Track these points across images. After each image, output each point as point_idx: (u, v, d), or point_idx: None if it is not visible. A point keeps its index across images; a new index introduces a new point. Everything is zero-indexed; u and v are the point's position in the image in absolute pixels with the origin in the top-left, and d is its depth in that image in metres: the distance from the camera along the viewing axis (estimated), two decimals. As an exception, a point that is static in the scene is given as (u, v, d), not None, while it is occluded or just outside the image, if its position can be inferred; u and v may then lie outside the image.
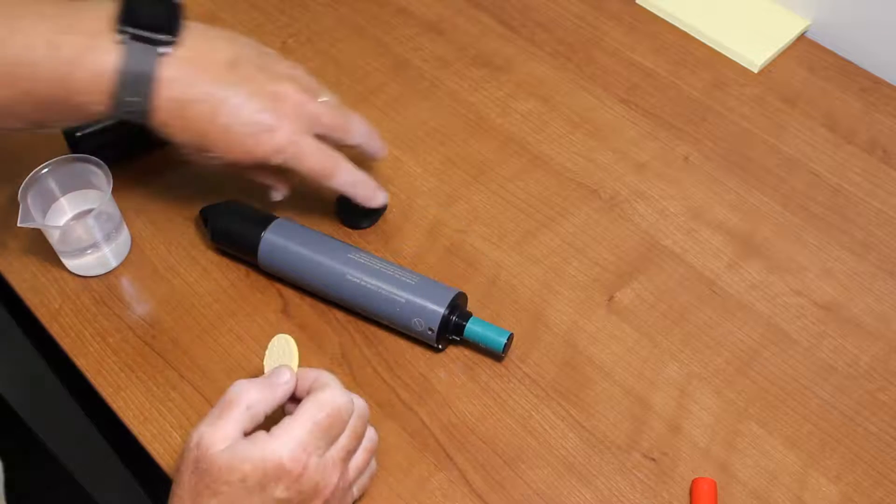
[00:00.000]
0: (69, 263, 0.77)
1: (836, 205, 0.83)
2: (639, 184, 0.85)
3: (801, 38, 0.97)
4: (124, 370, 0.73)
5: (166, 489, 0.58)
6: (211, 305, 0.76)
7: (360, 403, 0.61)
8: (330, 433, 0.58)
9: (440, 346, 0.72)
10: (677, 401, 0.71)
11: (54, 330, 0.75)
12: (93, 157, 0.75)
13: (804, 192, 0.84)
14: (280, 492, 0.55)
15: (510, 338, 0.71)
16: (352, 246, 0.75)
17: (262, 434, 0.57)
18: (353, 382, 0.72)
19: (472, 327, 0.71)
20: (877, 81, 0.93)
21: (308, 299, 0.76)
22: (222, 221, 0.77)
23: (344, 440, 0.59)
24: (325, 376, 0.61)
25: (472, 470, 0.67)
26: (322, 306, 0.76)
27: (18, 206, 0.73)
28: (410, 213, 0.82)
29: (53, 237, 0.75)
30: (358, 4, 1.00)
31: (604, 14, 0.99)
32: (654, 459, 0.68)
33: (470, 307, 0.75)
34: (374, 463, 0.64)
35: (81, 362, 0.73)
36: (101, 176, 0.75)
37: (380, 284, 0.71)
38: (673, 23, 0.98)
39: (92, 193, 0.78)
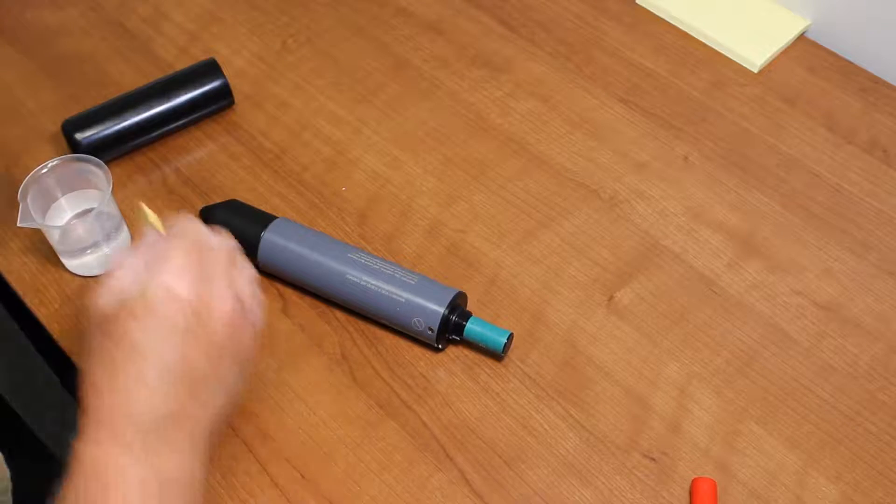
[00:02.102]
0: (69, 263, 0.77)
1: (836, 205, 0.83)
2: (639, 184, 0.85)
3: (801, 38, 0.97)
4: (124, 370, 0.72)
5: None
6: (211, 305, 0.76)
7: (224, 238, 0.60)
8: (200, 256, 0.56)
9: (440, 346, 0.72)
10: (677, 401, 0.71)
11: (54, 330, 0.75)
12: (93, 157, 0.75)
13: (804, 192, 0.84)
14: (175, 314, 0.54)
15: (510, 338, 0.71)
16: (352, 246, 0.75)
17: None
18: (353, 382, 0.72)
19: (472, 327, 0.71)
20: (876, 81, 0.93)
21: (308, 299, 0.76)
22: (222, 222, 0.77)
23: (216, 265, 0.57)
24: (184, 217, 0.60)
25: (472, 470, 0.67)
26: (322, 306, 0.76)
27: (18, 206, 0.73)
28: (410, 213, 0.82)
29: (53, 237, 0.75)
30: (358, 4, 1.00)
31: (604, 14, 0.99)
32: (654, 459, 0.68)
33: (470, 307, 0.75)
34: (260, 293, 0.62)
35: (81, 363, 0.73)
36: (101, 176, 0.75)
37: (380, 284, 0.71)
38: (673, 23, 0.98)
39: (92, 193, 0.78)
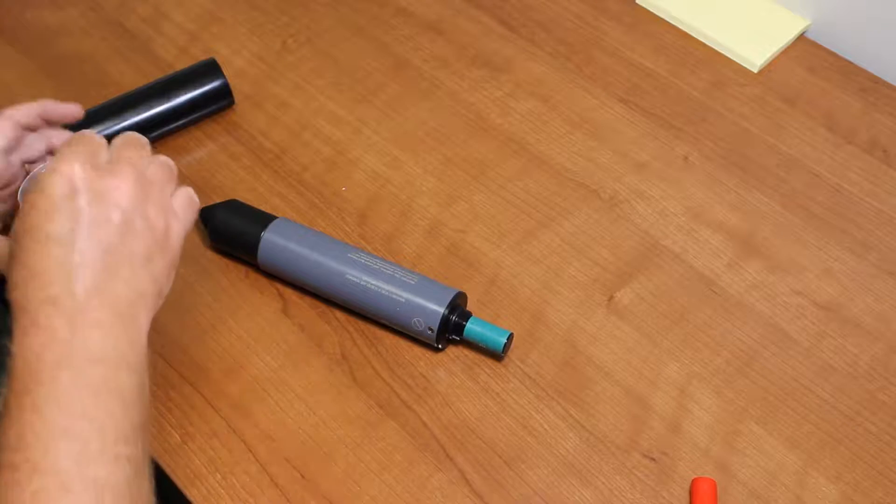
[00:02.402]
0: (69, 263, 0.77)
1: (836, 205, 0.83)
2: (639, 184, 0.85)
3: (801, 38, 0.97)
4: (124, 370, 0.72)
5: (164, 489, 0.58)
6: (211, 305, 0.76)
7: (127, 133, 0.60)
8: (91, 148, 0.56)
9: (440, 346, 0.72)
10: (677, 401, 0.71)
11: (54, 330, 0.75)
12: (93, 157, 0.75)
13: (804, 192, 0.84)
14: (71, 192, 0.54)
15: (510, 338, 0.71)
16: (352, 246, 0.75)
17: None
18: (353, 382, 0.72)
19: (471, 327, 0.71)
20: (876, 81, 0.93)
21: (308, 299, 0.76)
22: (222, 221, 0.77)
23: (114, 151, 0.57)
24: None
25: (472, 470, 0.67)
26: (322, 306, 0.76)
27: (18, 206, 0.72)
28: (410, 213, 0.82)
29: (53, 237, 0.74)
30: (358, 4, 1.00)
31: (604, 14, 0.99)
32: (654, 459, 0.68)
33: (470, 307, 0.75)
34: (191, 193, 0.62)
35: (81, 362, 0.73)
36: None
37: (380, 284, 0.71)
38: (673, 23, 0.98)
39: (92, 193, 0.77)
